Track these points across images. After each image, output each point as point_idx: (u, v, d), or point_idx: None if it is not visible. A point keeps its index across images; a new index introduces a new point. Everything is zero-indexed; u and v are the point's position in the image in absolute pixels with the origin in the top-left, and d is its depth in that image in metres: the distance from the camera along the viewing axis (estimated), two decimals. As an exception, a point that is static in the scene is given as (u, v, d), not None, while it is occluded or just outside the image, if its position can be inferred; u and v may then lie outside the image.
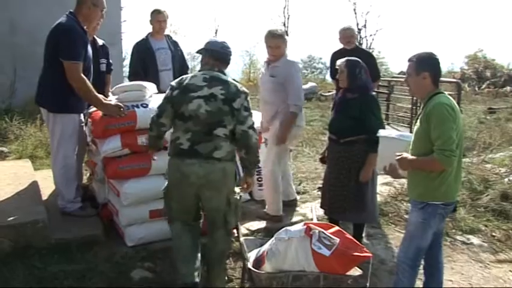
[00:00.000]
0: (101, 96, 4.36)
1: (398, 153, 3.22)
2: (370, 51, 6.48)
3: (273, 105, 4.87)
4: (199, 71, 3.61)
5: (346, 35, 6.20)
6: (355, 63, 4.19)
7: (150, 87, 4.57)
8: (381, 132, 3.51)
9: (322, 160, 4.60)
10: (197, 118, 3.38)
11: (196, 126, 3.38)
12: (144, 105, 4.34)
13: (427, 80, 3.17)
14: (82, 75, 4.23)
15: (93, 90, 4.30)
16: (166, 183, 3.60)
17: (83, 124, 4.69)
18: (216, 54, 3.59)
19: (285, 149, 5.06)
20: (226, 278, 3.81)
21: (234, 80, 3.61)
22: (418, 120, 3.21)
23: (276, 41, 4.76)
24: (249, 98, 3.56)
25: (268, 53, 4.87)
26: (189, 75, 3.62)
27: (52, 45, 4.27)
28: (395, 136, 3.46)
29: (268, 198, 5.01)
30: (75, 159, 4.60)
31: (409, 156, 3.19)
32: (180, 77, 3.61)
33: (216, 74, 3.51)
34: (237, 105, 3.41)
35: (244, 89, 3.54)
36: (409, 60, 3.24)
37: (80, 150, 4.71)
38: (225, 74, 3.59)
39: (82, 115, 4.66)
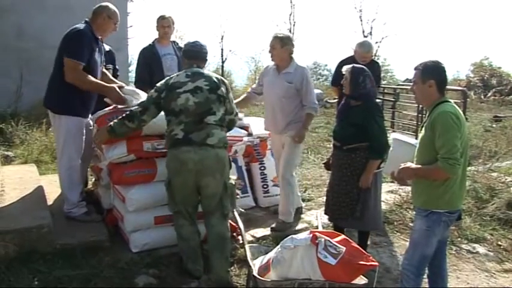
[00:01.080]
0: (99, 82, 4.52)
1: (402, 163, 3.22)
2: (376, 59, 6.39)
3: (289, 112, 4.90)
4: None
5: (364, 52, 5.91)
6: (360, 70, 4.19)
7: (142, 95, 4.54)
8: (395, 135, 3.50)
9: (327, 166, 4.59)
10: (187, 111, 3.69)
11: (188, 118, 3.69)
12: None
13: (433, 88, 3.16)
14: (80, 73, 4.31)
15: (92, 79, 4.39)
16: (167, 176, 3.85)
17: (91, 128, 4.73)
18: (189, 53, 3.98)
19: (300, 153, 5.17)
20: (228, 267, 3.95)
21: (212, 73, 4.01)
22: (423, 128, 3.22)
23: (273, 41, 4.83)
24: (229, 87, 3.98)
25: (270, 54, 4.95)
26: (173, 75, 3.94)
27: (61, 48, 4.38)
28: (408, 140, 3.49)
29: (285, 204, 4.98)
30: (80, 162, 4.62)
31: (412, 165, 3.20)
32: (165, 79, 3.94)
33: (196, 70, 3.88)
34: (222, 92, 3.82)
35: (223, 79, 4.00)
36: (416, 68, 3.23)
37: (86, 154, 4.72)
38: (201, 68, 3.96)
39: (90, 119, 4.71)
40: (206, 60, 4.09)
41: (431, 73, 3.17)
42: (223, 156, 3.77)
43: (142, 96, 4.48)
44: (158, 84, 3.89)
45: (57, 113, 4.46)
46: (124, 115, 3.92)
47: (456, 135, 3.02)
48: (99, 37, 4.61)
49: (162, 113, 3.89)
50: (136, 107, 3.93)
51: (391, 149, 3.56)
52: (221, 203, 3.80)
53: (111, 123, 3.97)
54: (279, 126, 4.95)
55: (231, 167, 3.96)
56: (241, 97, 5.43)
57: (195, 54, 3.98)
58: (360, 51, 5.90)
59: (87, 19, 4.56)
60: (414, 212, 5.51)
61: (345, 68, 4.23)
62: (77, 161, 4.57)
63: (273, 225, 4.93)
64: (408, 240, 4.90)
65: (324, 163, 4.79)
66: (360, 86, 4.11)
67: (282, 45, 4.81)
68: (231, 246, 4.00)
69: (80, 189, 4.70)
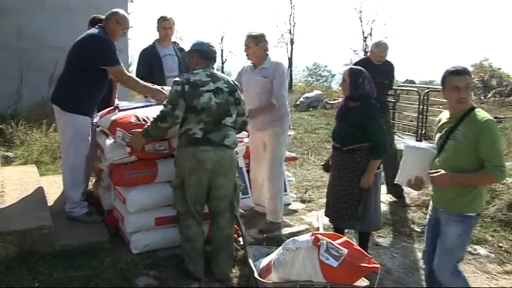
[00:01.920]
0: (148, 84, 4.71)
1: (432, 171, 3.22)
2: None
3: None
4: (193, 69, 3.99)
5: (380, 51, 5.93)
6: (359, 72, 4.21)
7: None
8: (408, 142, 3.48)
9: (325, 168, 4.58)
10: (209, 110, 3.77)
11: (208, 117, 3.76)
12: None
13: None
14: (127, 73, 4.65)
15: (139, 81, 4.66)
16: (176, 175, 3.87)
17: (96, 128, 4.77)
18: (205, 54, 4.00)
19: (285, 148, 5.12)
20: (232, 264, 4.05)
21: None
22: (458, 135, 3.16)
23: (247, 40, 4.84)
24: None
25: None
26: (189, 73, 3.95)
27: (83, 52, 4.46)
28: (422, 146, 3.41)
29: (274, 205, 4.94)
30: (85, 162, 4.62)
31: (447, 173, 3.16)
32: (181, 75, 3.98)
33: (212, 71, 3.99)
34: (238, 95, 3.97)
35: (237, 82, 4.17)
36: (465, 73, 3.17)
37: (90, 154, 4.72)
38: None
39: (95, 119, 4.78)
40: (215, 61, 4.18)
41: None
42: (235, 157, 3.97)
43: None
44: (178, 79, 3.88)
45: (66, 111, 4.49)
46: (156, 117, 3.90)
47: (500, 143, 3.10)
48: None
49: None
50: (164, 106, 3.87)
51: (403, 157, 3.44)
52: (231, 204, 3.91)
53: (146, 126, 3.95)
54: (258, 122, 4.86)
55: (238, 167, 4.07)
56: None
57: (210, 55, 4.04)
58: (375, 51, 5.96)
59: (101, 24, 4.65)
60: (415, 214, 5.58)
61: (343, 71, 4.25)
62: (82, 160, 4.57)
63: (261, 227, 4.88)
64: (409, 241, 4.94)
65: (322, 165, 4.77)
66: (359, 87, 4.12)
67: (256, 43, 4.80)
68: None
69: (82, 189, 4.71)
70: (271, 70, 4.81)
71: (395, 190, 6.06)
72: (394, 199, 6.11)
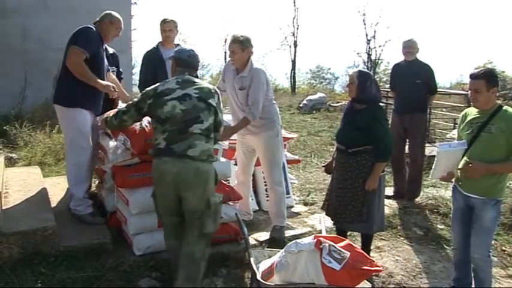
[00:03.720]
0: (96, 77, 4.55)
1: (468, 161, 3.64)
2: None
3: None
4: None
5: (405, 45, 6.22)
6: (368, 75, 4.24)
7: None
8: (440, 148, 3.73)
9: (327, 169, 4.58)
10: (174, 118, 3.51)
11: (173, 126, 3.50)
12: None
13: (495, 94, 3.61)
14: (81, 61, 4.41)
15: (89, 71, 4.47)
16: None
17: (98, 126, 4.78)
18: (182, 62, 3.83)
19: (281, 150, 5.03)
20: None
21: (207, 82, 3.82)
22: (492, 129, 3.54)
23: (233, 45, 4.63)
24: (221, 98, 3.82)
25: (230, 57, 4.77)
26: (163, 82, 3.78)
27: (69, 43, 4.49)
28: (456, 146, 3.70)
29: (279, 210, 4.93)
30: (88, 159, 4.64)
31: (482, 163, 3.57)
32: (156, 85, 3.75)
33: (187, 77, 3.73)
34: (213, 102, 3.63)
35: (216, 89, 3.81)
36: (476, 77, 3.58)
37: (93, 152, 4.76)
38: (197, 77, 3.86)
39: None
40: (197, 69, 3.98)
41: (495, 82, 3.59)
42: (205, 170, 3.51)
43: None
44: (147, 89, 3.74)
45: (66, 106, 4.54)
46: (116, 111, 4.00)
47: None
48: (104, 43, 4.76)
49: None
50: (126, 105, 3.90)
51: (437, 159, 3.74)
52: (201, 221, 3.52)
53: (111, 114, 4.04)
54: (248, 128, 4.75)
55: (217, 182, 3.72)
56: None
57: (189, 64, 3.84)
58: (403, 45, 6.26)
59: (94, 25, 4.69)
60: (418, 216, 5.57)
61: (351, 72, 4.24)
62: (85, 156, 4.60)
63: (272, 234, 4.84)
64: (411, 244, 4.94)
65: (324, 166, 4.76)
66: (366, 90, 4.12)
67: (242, 49, 4.62)
68: (201, 271, 3.58)
69: (86, 186, 4.74)
70: (249, 79, 4.65)
71: (412, 189, 6.22)
72: (396, 202, 6.11)
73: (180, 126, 3.49)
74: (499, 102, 3.71)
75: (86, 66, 4.44)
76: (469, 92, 3.69)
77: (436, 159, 3.75)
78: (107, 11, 4.79)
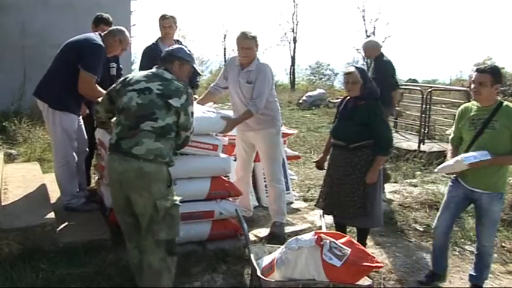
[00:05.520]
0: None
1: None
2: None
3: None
4: None
5: (363, 47, 6.70)
6: (366, 71, 4.31)
7: None
8: (465, 160, 3.69)
9: (319, 165, 4.58)
10: (128, 111, 3.27)
11: (126, 120, 3.27)
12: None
13: (497, 90, 3.70)
14: (94, 86, 4.51)
15: (102, 91, 4.47)
16: None
17: (81, 123, 4.93)
18: (162, 58, 3.61)
19: (281, 146, 5.02)
20: None
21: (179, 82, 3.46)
22: (496, 125, 3.64)
23: (248, 41, 4.57)
24: (191, 99, 3.47)
25: (240, 54, 4.66)
26: (138, 72, 3.67)
27: (76, 52, 4.52)
28: (480, 157, 3.67)
29: (279, 207, 4.91)
30: (75, 156, 4.76)
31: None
32: (130, 74, 3.61)
33: (160, 72, 3.45)
34: (175, 103, 3.28)
35: (188, 89, 3.44)
36: (482, 71, 3.66)
37: (80, 149, 4.89)
38: (169, 72, 3.49)
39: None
40: (175, 61, 3.55)
41: (500, 79, 3.70)
42: (150, 170, 3.17)
43: None
44: (121, 78, 3.60)
45: (54, 108, 4.59)
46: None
47: None
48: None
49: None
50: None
51: (454, 164, 3.80)
52: (151, 227, 3.23)
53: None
54: (252, 122, 4.72)
55: (170, 184, 3.30)
56: (204, 93, 5.17)
57: (165, 57, 3.58)
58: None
59: (100, 33, 4.73)
60: (417, 213, 5.57)
61: (349, 71, 4.19)
62: (72, 156, 4.73)
63: (272, 230, 4.82)
64: (411, 240, 4.95)
65: (314, 162, 4.76)
66: (367, 86, 4.15)
67: (256, 45, 4.64)
68: (162, 284, 3.29)
69: (77, 180, 4.86)
70: (255, 73, 4.63)
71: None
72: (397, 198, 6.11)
73: (131, 122, 3.25)
74: (498, 98, 3.74)
75: (98, 90, 4.48)
76: (473, 85, 3.72)
77: (453, 163, 3.79)
78: (120, 28, 4.79)
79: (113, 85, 3.57)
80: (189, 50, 3.70)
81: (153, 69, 3.50)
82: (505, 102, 3.73)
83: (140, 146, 3.16)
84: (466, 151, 3.76)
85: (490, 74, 3.63)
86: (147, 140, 3.18)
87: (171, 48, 3.67)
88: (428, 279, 4.12)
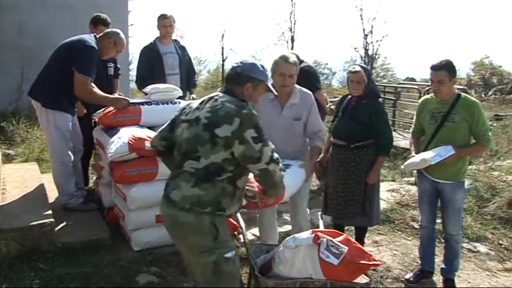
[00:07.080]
0: (105, 94, 4.72)
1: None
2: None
3: (295, 145, 4.08)
4: None
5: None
6: (370, 71, 4.36)
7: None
8: (432, 160, 3.74)
9: (322, 166, 4.54)
10: (180, 146, 2.77)
11: (178, 156, 2.79)
12: (149, 104, 4.63)
13: (455, 83, 3.84)
14: (89, 88, 4.55)
15: (98, 92, 4.62)
16: None
17: (76, 123, 4.94)
18: (226, 76, 2.93)
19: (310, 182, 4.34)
20: None
21: (244, 103, 2.71)
22: (455, 118, 3.74)
23: (288, 67, 3.84)
24: (252, 121, 2.62)
25: (279, 82, 3.84)
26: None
27: (69, 53, 4.55)
28: (445, 154, 3.75)
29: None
30: (71, 156, 4.78)
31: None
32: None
33: (215, 94, 2.81)
34: (222, 132, 2.58)
35: (243, 110, 2.63)
36: (437, 68, 3.72)
37: (76, 148, 4.92)
38: (234, 96, 2.76)
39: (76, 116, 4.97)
40: (248, 84, 2.80)
41: (455, 72, 3.76)
42: (185, 221, 2.64)
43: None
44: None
45: (48, 108, 4.61)
46: None
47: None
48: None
49: None
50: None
51: (420, 162, 3.88)
52: (200, 284, 2.83)
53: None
54: (284, 154, 3.67)
55: (218, 236, 2.66)
56: None
57: (234, 75, 2.83)
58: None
59: (95, 35, 4.76)
60: (415, 211, 5.58)
61: (355, 70, 4.15)
62: (68, 155, 4.74)
63: None
64: (409, 239, 4.96)
65: (316, 162, 4.74)
66: (370, 86, 4.16)
67: (297, 71, 3.95)
68: None
69: (74, 179, 4.87)
70: (303, 107, 4.02)
71: None
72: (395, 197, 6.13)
73: (179, 159, 2.76)
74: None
75: (94, 92, 4.58)
76: (432, 84, 3.82)
77: (419, 161, 3.86)
78: (116, 30, 4.82)
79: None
80: (262, 66, 2.90)
81: (215, 93, 2.84)
82: (463, 95, 3.83)
83: (177, 190, 2.68)
84: (428, 145, 3.89)
85: (446, 70, 3.70)
86: (184, 185, 2.66)
87: (238, 64, 2.87)
88: (416, 277, 4.13)
